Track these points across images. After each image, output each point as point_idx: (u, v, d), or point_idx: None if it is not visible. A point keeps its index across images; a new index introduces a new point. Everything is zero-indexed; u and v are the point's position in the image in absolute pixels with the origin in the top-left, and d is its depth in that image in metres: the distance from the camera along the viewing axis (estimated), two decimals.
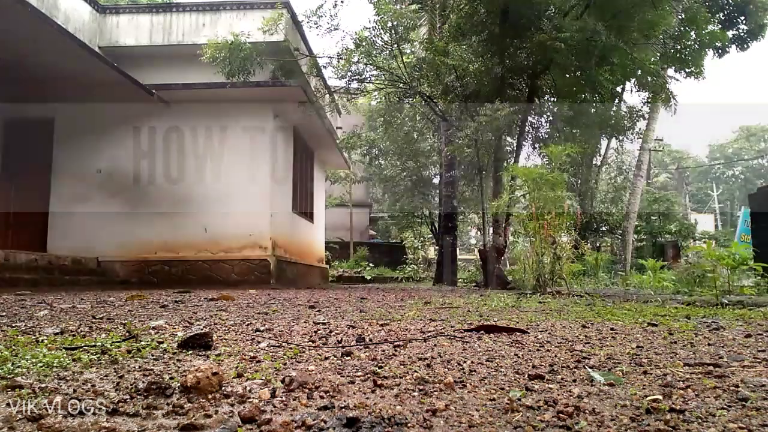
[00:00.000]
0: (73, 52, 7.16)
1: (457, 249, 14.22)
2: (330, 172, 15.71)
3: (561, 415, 0.89)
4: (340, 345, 1.61)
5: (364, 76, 10.95)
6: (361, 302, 3.57)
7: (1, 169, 8.73)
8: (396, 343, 1.63)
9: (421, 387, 1.09)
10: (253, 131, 8.91)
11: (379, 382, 1.10)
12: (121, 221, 8.66)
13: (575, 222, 5.81)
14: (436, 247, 15.53)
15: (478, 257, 9.94)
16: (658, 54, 10.46)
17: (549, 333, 1.94)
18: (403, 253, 20.84)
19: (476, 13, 8.24)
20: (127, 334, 1.71)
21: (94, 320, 2.15)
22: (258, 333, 1.83)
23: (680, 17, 11.29)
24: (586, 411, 0.91)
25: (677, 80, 14.89)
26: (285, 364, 1.31)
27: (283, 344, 1.60)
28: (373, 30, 10.94)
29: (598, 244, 16.85)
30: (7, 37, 6.76)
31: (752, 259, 5.22)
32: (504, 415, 0.90)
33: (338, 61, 10.55)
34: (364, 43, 10.40)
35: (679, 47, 10.42)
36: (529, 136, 9.71)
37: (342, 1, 11.62)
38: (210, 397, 0.97)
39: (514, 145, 9.39)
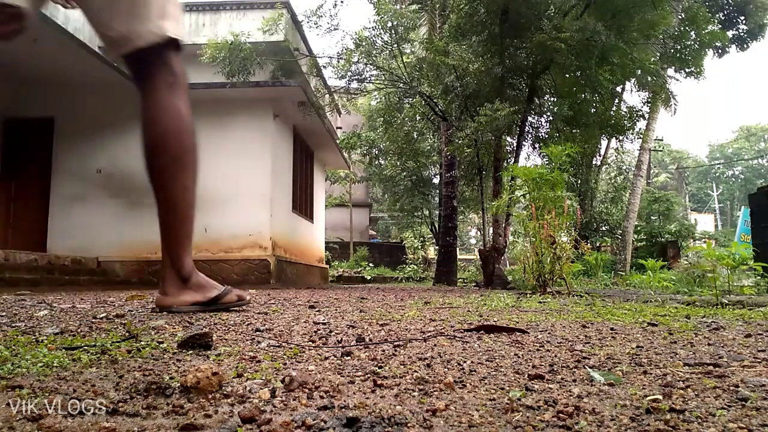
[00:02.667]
0: (73, 52, 7.16)
1: (457, 249, 14.22)
2: (330, 172, 15.73)
3: (561, 415, 0.89)
4: (340, 345, 1.61)
5: (364, 76, 10.95)
6: (361, 302, 3.57)
7: (1, 169, 8.74)
8: (396, 343, 1.63)
9: (421, 387, 1.09)
10: (253, 131, 8.92)
11: (379, 382, 1.10)
12: (121, 221, 8.67)
13: (575, 222, 5.81)
14: (436, 247, 15.53)
15: (478, 257, 9.94)
16: (658, 54, 10.47)
17: (549, 333, 1.94)
18: (403, 253, 20.87)
19: (476, 13, 8.24)
20: (127, 334, 1.71)
21: (94, 320, 2.15)
22: (258, 333, 1.83)
23: (680, 17, 11.30)
24: (586, 411, 0.91)
25: (677, 80, 14.93)
26: (285, 364, 1.31)
27: (283, 344, 1.60)
28: (373, 30, 10.94)
29: (598, 244, 16.86)
30: None
31: (752, 259, 5.22)
32: (504, 414, 0.90)
33: (338, 61, 10.56)
34: (364, 43, 10.40)
35: (679, 47, 10.42)
36: (529, 136, 9.71)
37: (342, 1, 11.64)
38: (210, 397, 0.97)
39: (514, 145, 9.39)
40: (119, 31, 1.83)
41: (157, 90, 1.90)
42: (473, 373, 1.22)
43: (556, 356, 1.45)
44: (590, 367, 1.27)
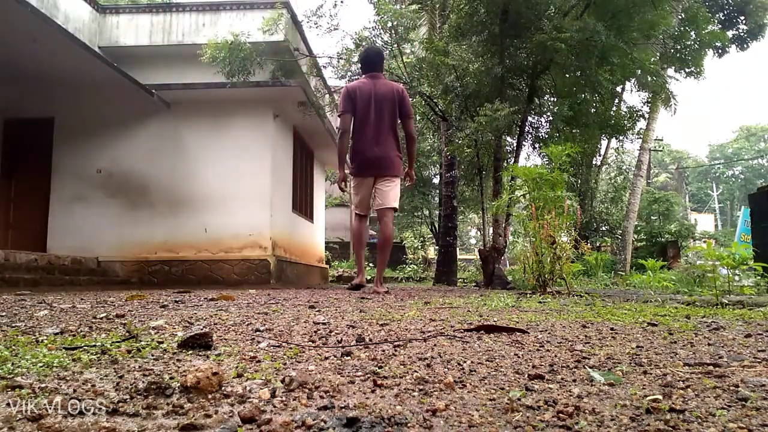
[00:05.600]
0: (73, 52, 7.16)
1: (457, 249, 14.22)
2: (330, 171, 15.72)
3: (561, 414, 0.89)
4: (340, 345, 1.61)
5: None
6: (361, 302, 3.56)
7: (1, 169, 8.74)
8: (396, 343, 1.63)
9: (421, 387, 1.09)
10: (253, 131, 8.92)
11: (379, 382, 1.10)
12: (121, 221, 8.67)
13: (575, 222, 5.81)
14: (436, 247, 15.51)
15: (478, 257, 9.94)
16: (658, 54, 10.46)
17: (549, 333, 1.94)
18: (403, 253, 20.84)
19: (476, 13, 8.23)
20: (127, 334, 1.71)
21: (94, 320, 2.15)
22: (258, 333, 1.83)
23: (680, 17, 11.30)
24: (586, 411, 0.91)
25: (677, 80, 14.93)
26: (285, 364, 1.31)
27: (283, 344, 1.60)
28: (373, 30, 10.93)
29: (598, 244, 16.85)
30: (7, 37, 6.76)
31: (752, 259, 5.21)
32: (504, 414, 0.90)
33: (338, 61, 10.55)
34: (364, 43, 10.39)
35: (679, 47, 10.42)
36: (529, 136, 9.70)
37: (342, 1, 11.63)
38: (210, 397, 0.97)
39: (514, 145, 9.38)
40: (381, 203, 4.81)
41: (386, 222, 4.87)
42: (473, 373, 1.22)
43: (556, 356, 1.45)
44: (590, 367, 1.27)
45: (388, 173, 4.80)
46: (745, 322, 2.43)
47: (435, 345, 1.61)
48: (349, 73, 10.56)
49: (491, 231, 9.19)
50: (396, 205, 4.93)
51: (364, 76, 5.03)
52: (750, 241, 8.38)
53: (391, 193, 4.82)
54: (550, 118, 9.59)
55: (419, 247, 21.76)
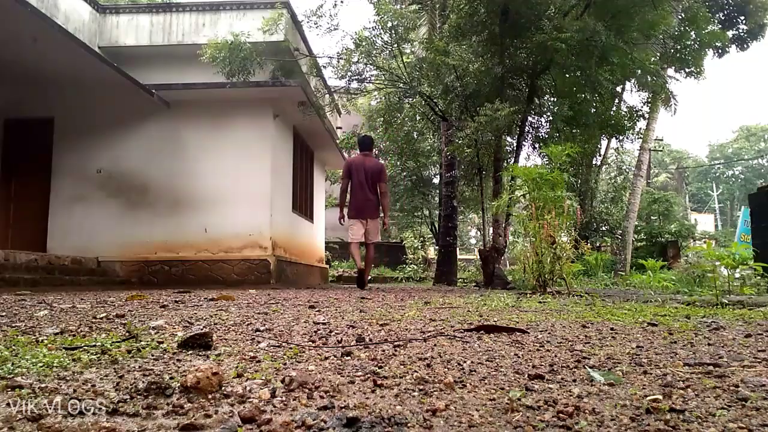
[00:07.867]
0: (73, 52, 7.16)
1: (457, 249, 14.21)
2: (330, 172, 15.72)
3: (561, 414, 0.89)
4: (340, 345, 1.61)
5: (364, 76, 10.93)
6: (361, 302, 3.56)
7: (1, 169, 8.73)
8: (396, 343, 1.63)
9: (421, 387, 1.09)
10: (253, 131, 8.91)
11: (379, 382, 1.10)
12: (121, 221, 8.66)
13: (575, 222, 5.81)
14: (436, 247, 15.51)
15: (478, 257, 9.94)
16: (658, 54, 10.46)
17: (549, 333, 1.94)
18: (403, 253, 20.81)
19: (476, 13, 8.23)
20: (127, 334, 1.71)
21: (94, 320, 2.15)
22: (258, 333, 1.83)
23: (680, 17, 11.29)
24: (586, 411, 0.91)
25: (677, 80, 14.92)
26: (285, 364, 1.31)
27: (283, 344, 1.60)
28: (373, 30, 10.93)
29: (598, 244, 16.85)
30: (7, 37, 6.76)
31: (752, 259, 5.21)
32: (504, 414, 0.90)
33: (338, 61, 10.54)
34: (364, 43, 10.39)
35: (679, 47, 10.41)
36: (529, 136, 9.69)
37: (342, 1, 11.63)
38: (210, 397, 0.97)
39: (514, 145, 9.38)
40: (368, 238, 7.20)
41: (370, 249, 7.37)
42: (473, 373, 1.22)
43: (556, 356, 1.45)
44: (590, 367, 1.27)
45: (371, 216, 7.22)
46: (745, 322, 2.43)
47: (435, 345, 1.61)
48: (349, 73, 10.57)
49: (491, 231, 9.19)
50: (378, 239, 7.62)
51: (359, 153, 7.51)
52: (750, 241, 8.38)
53: (373, 230, 7.26)
54: (550, 118, 9.59)
55: (419, 247, 21.74)
